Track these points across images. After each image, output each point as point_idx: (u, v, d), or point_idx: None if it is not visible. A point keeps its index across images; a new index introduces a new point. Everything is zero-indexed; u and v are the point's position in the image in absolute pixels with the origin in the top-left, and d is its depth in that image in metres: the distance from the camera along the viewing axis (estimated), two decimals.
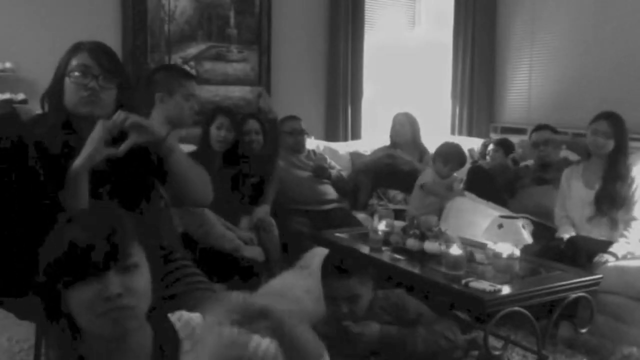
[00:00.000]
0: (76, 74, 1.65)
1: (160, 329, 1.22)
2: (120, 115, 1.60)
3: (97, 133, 1.58)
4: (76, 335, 1.14)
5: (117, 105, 1.68)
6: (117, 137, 1.60)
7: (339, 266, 2.06)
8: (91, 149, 1.58)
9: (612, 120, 3.06)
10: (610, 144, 3.06)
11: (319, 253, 2.52)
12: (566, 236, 3.05)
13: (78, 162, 1.58)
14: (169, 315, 1.26)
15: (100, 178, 1.64)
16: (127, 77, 1.75)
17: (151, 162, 1.71)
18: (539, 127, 3.68)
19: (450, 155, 3.72)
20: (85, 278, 1.08)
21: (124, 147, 1.60)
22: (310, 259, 2.60)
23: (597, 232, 3.07)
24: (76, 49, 1.69)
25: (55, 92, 1.68)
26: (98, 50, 1.69)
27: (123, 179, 1.71)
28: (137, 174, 1.74)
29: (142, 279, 1.14)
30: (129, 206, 1.66)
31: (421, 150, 4.18)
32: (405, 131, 4.12)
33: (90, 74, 1.64)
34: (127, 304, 1.10)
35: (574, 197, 3.20)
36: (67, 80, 1.66)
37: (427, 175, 3.76)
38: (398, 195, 3.99)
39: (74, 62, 1.66)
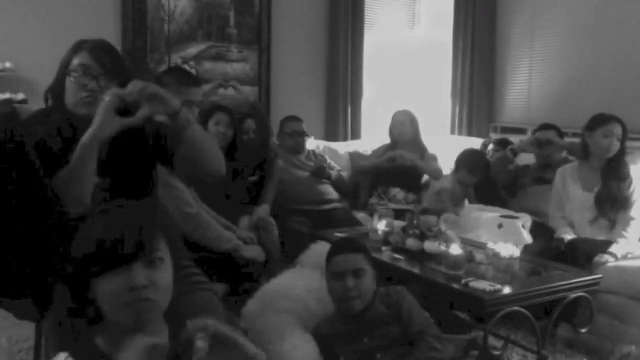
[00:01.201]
0: (76, 74, 1.63)
1: (176, 332, 1.23)
2: (137, 84, 1.56)
3: (107, 102, 1.53)
4: (97, 322, 1.18)
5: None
6: (125, 112, 1.55)
7: (343, 245, 2.19)
8: (102, 118, 1.52)
9: (621, 123, 3.08)
10: (619, 147, 3.07)
11: (318, 252, 2.52)
12: (567, 237, 3.05)
13: (88, 134, 1.52)
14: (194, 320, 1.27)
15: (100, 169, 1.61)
16: (129, 76, 1.71)
17: (154, 147, 1.70)
18: (545, 127, 3.65)
19: (478, 166, 3.65)
20: (115, 268, 1.13)
21: (139, 115, 1.54)
22: (309, 257, 2.59)
23: (600, 234, 3.07)
24: (78, 47, 1.67)
25: (57, 90, 1.67)
26: (100, 49, 1.67)
27: (124, 171, 1.69)
28: (138, 165, 1.72)
29: (165, 274, 1.20)
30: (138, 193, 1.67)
31: (422, 149, 4.15)
32: (406, 130, 4.08)
33: (90, 74, 1.63)
34: (150, 296, 1.15)
35: (572, 200, 3.19)
36: (67, 79, 1.64)
37: (447, 181, 3.70)
38: (399, 194, 3.98)
39: (75, 62, 1.64)
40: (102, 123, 1.52)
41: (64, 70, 1.65)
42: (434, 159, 4.11)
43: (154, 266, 1.17)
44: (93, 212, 1.24)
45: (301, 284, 2.34)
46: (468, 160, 3.67)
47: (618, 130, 3.07)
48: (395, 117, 4.18)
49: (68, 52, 1.68)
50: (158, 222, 1.22)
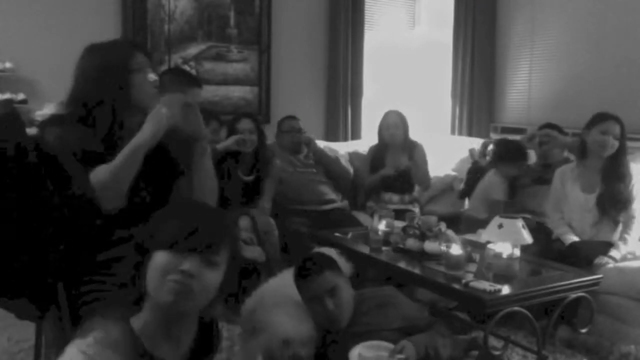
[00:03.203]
0: (145, 70, 1.74)
1: (205, 332, 1.34)
2: (185, 99, 1.71)
3: (164, 112, 1.64)
4: (138, 302, 1.27)
5: None
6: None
7: (309, 268, 2.08)
8: (159, 126, 1.63)
9: (620, 122, 3.07)
10: (616, 145, 3.06)
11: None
12: (568, 238, 3.04)
13: (142, 137, 1.61)
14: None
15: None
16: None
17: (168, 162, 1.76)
18: (545, 126, 3.63)
19: (519, 152, 3.58)
20: (179, 249, 1.22)
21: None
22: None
23: (602, 236, 3.06)
24: (127, 48, 1.77)
25: (116, 89, 1.71)
26: (140, 46, 1.84)
27: (154, 174, 1.75)
28: (163, 170, 1.78)
29: (214, 278, 1.26)
30: (159, 203, 1.69)
31: (410, 147, 4.05)
32: (399, 133, 4.00)
33: (150, 69, 1.76)
34: (193, 287, 1.21)
35: (571, 202, 3.17)
36: (135, 76, 1.72)
37: (495, 185, 3.59)
38: (393, 197, 3.98)
39: (137, 60, 1.74)
40: (159, 130, 1.63)
41: (124, 69, 1.71)
42: (422, 155, 4.05)
43: (209, 265, 1.24)
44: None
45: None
46: (507, 151, 3.60)
47: (615, 128, 3.06)
48: (386, 118, 4.06)
49: (117, 54, 1.75)
50: (229, 232, 1.34)
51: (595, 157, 3.12)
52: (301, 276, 2.08)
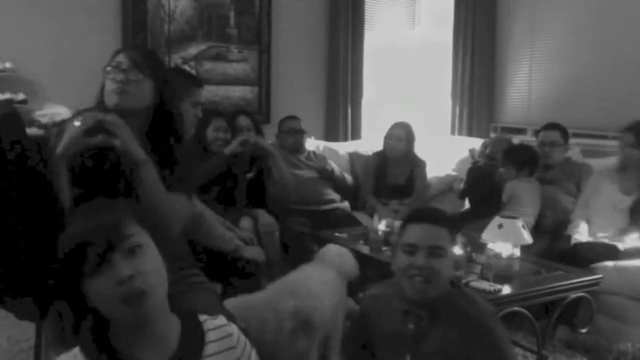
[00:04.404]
0: (108, 68, 1.73)
1: (188, 326, 1.24)
2: (95, 115, 1.61)
3: (77, 125, 1.57)
4: (106, 325, 1.17)
5: (155, 95, 1.75)
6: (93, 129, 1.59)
7: (425, 213, 1.85)
8: (70, 138, 1.56)
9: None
10: (637, 154, 3.07)
11: (333, 247, 2.58)
12: (577, 236, 3.03)
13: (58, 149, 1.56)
14: (206, 316, 1.28)
15: None
16: (160, 67, 1.83)
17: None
18: (549, 126, 3.58)
19: (533, 158, 3.44)
20: (96, 268, 1.11)
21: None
22: (325, 252, 2.61)
23: (628, 241, 3.04)
24: (116, 53, 1.77)
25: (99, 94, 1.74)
26: (131, 49, 1.80)
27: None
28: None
29: (149, 260, 1.16)
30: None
31: (413, 163, 4.03)
32: (400, 147, 3.98)
33: (120, 68, 1.71)
34: (140, 286, 1.12)
35: (604, 200, 3.14)
36: (105, 79, 1.73)
37: (516, 195, 3.40)
38: (393, 201, 3.99)
39: (111, 63, 1.74)
40: (71, 144, 1.56)
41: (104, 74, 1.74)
42: (422, 175, 4.03)
43: (134, 254, 1.13)
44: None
45: (316, 276, 2.34)
46: (530, 157, 3.45)
47: (630, 139, 3.07)
48: (391, 130, 4.03)
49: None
50: (125, 211, 1.19)
51: (629, 166, 3.13)
52: (411, 219, 1.79)
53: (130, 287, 1.11)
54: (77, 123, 1.58)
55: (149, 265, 1.15)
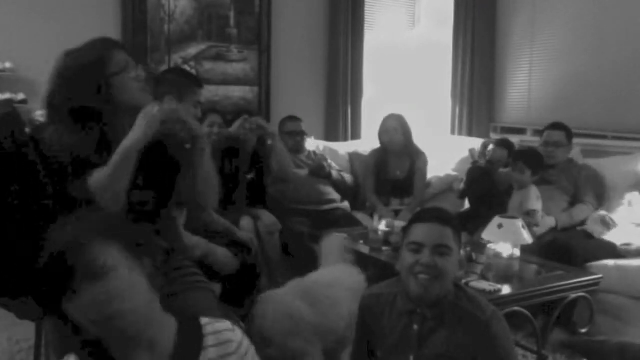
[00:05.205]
0: (129, 69, 1.72)
1: (186, 329, 1.21)
2: (171, 103, 1.71)
3: (155, 113, 1.61)
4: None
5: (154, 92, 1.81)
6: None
7: (430, 213, 1.84)
8: (148, 126, 1.60)
9: None
10: None
11: (334, 240, 2.61)
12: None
13: (133, 138, 1.58)
14: (208, 320, 1.26)
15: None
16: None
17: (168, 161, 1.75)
18: (554, 126, 3.55)
19: (539, 159, 3.33)
20: (63, 295, 1.06)
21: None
22: (328, 246, 2.63)
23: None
24: (106, 48, 1.72)
25: (93, 93, 1.69)
26: (119, 45, 1.79)
27: (153, 174, 1.74)
28: (162, 169, 1.77)
29: (120, 281, 1.08)
30: (163, 202, 1.72)
31: (413, 154, 4.02)
32: (398, 137, 3.97)
33: (134, 65, 1.74)
34: (118, 309, 1.07)
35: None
36: (118, 78, 1.69)
37: (533, 200, 3.28)
38: (394, 200, 3.98)
39: (117, 60, 1.70)
40: (150, 129, 1.60)
41: (103, 72, 1.68)
42: (423, 167, 4.02)
43: (100, 278, 1.06)
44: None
45: (339, 274, 2.38)
46: (533, 158, 3.34)
47: None
48: (385, 123, 4.03)
49: (93, 53, 1.71)
50: (90, 231, 1.12)
51: None
52: (417, 219, 1.78)
53: (99, 313, 1.06)
54: (155, 109, 1.63)
55: (119, 287, 1.08)
